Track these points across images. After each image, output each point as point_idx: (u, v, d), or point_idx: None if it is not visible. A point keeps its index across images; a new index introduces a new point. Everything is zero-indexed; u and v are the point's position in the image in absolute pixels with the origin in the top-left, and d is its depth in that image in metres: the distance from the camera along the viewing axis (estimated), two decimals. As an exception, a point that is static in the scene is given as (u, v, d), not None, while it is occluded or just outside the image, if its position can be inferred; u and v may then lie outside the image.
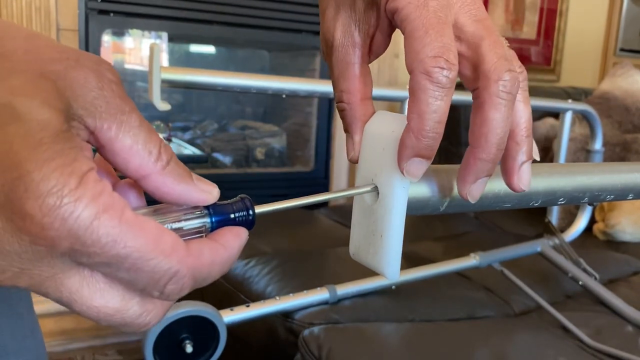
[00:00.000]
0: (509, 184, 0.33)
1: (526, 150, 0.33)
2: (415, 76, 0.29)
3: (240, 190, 0.30)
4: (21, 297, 0.45)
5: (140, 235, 0.23)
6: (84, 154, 0.23)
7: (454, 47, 0.30)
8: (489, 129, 0.30)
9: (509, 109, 0.31)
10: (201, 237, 0.27)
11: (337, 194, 0.33)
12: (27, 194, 0.21)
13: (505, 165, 0.33)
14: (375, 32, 0.34)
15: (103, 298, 0.24)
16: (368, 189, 0.33)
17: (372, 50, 0.35)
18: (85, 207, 0.22)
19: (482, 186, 0.32)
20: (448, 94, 0.29)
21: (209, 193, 0.27)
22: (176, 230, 0.26)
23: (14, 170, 0.21)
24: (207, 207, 0.27)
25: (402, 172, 0.31)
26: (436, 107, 0.29)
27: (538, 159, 0.35)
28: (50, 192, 0.22)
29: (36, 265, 0.23)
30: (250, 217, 0.28)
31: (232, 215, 0.28)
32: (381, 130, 0.33)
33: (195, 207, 0.27)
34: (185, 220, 0.27)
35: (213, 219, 0.27)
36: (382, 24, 0.34)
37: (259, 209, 0.29)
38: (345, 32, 0.34)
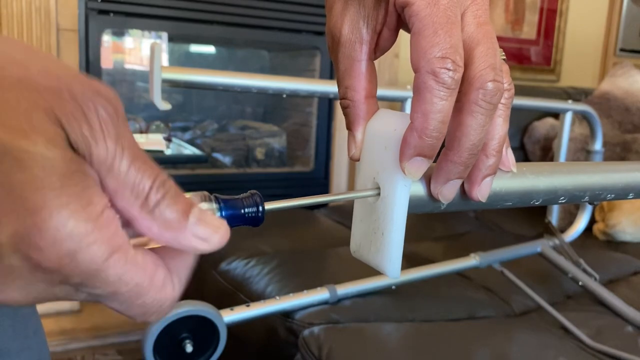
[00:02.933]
0: (468, 191, 0.34)
1: (492, 164, 0.34)
2: (421, 75, 0.30)
3: (240, 190, 0.29)
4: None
5: (140, 275, 0.24)
6: (96, 190, 0.23)
7: (461, 48, 0.30)
8: (462, 133, 0.31)
9: (487, 117, 0.31)
10: None
11: (343, 195, 0.33)
12: (43, 241, 0.22)
13: (469, 173, 0.34)
14: (382, 28, 0.34)
15: None
16: (372, 192, 0.33)
17: (379, 46, 0.35)
18: (98, 250, 0.23)
19: (453, 188, 0.33)
20: (452, 95, 0.30)
21: (205, 241, 0.25)
22: None
23: (28, 217, 0.22)
24: (217, 201, 0.27)
25: (403, 171, 0.31)
26: (441, 107, 0.29)
27: (515, 170, 0.37)
28: (67, 239, 0.22)
29: (49, 290, 0.24)
30: (260, 214, 0.28)
31: (242, 211, 0.28)
32: (383, 129, 0.33)
33: (207, 200, 0.27)
34: None
35: (223, 213, 0.28)
36: (390, 20, 0.34)
37: (268, 206, 0.29)
38: (353, 27, 0.34)
